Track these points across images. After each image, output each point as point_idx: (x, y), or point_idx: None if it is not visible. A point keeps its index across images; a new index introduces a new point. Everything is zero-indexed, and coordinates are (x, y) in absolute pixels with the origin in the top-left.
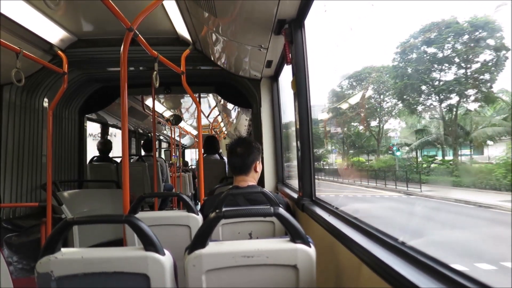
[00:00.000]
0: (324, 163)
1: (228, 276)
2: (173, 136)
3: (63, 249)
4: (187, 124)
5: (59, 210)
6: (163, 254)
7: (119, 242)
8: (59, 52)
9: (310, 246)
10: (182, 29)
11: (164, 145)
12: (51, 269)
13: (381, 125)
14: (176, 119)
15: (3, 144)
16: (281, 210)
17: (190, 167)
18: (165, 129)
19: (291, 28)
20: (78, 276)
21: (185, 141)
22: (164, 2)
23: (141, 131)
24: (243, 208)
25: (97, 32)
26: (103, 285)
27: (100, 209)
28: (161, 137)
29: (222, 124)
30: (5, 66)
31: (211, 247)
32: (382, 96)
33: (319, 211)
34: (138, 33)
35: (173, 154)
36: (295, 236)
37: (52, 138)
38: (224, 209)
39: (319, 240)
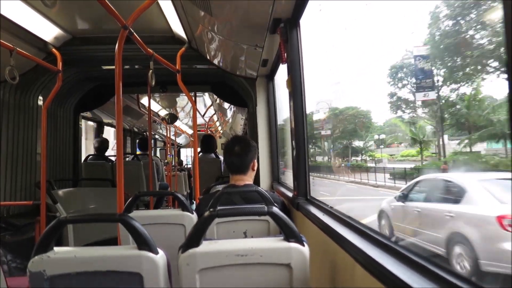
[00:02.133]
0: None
1: (222, 275)
2: (168, 135)
3: (56, 248)
4: (183, 123)
5: (53, 209)
6: (157, 253)
7: (114, 241)
8: (54, 50)
9: (304, 245)
10: (177, 28)
11: (159, 144)
12: (44, 268)
13: None
14: (172, 118)
15: None
16: (275, 209)
17: (185, 166)
18: (160, 128)
19: (287, 27)
20: (71, 275)
21: (181, 140)
22: (159, 0)
23: (136, 130)
24: (237, 207)
25: (92, 30)
26: (96, 284)
27: (95, 208)
28: (157, 136)
29: (217, 123)
30: None
31: (205, 246)
32: None
33: (313, 210)
34: (133, 31)
35: (169, 153)
36: (289, 235)
37: (47, 136)
38: (218, 207)
39: (313, 239)
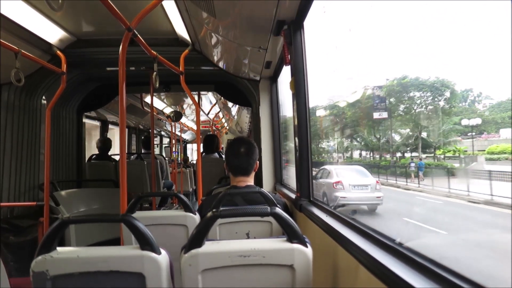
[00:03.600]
0: None
1: (224, 276)
2: (174, 131)
3: (59, 248)
4: (188, 120)
5: (56, 210)
6: (159, 253)
7: (117, 241)
8: (58, 52)
9: (307, 246)
10: (181, 30)
11: (166, 140)
12: (47, 268)
13: None
14: (177, 116)
15: (1, 144)
16: (278, 210)
17: (190, 163)
18: (165, 126)
19: (290, 29)
20: (74, 275)
21: (187, 136)
22: (163, 3)
23: (141, 128)
24: (240, 208)
25: (96, 32)
26: (99, 284)
27: (98, 209)
28: (163, 133)
29: (223, 120)
30: (3, 66)
31: (207, 247)
32: None
33: (316, 211)
34: (137, 33)
35: (174, 151)
36: (291, 236)
37: (50, 137)
38: (221, 208)
39: (316, 240)
